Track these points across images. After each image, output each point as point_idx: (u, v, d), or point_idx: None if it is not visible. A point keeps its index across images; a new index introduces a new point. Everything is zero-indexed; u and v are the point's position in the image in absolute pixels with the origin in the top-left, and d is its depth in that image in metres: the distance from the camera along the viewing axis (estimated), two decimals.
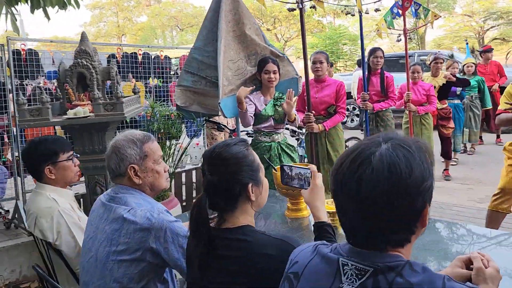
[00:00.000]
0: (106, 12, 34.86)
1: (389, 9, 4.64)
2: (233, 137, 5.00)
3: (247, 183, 1.34)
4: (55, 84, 3.91)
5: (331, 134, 3.92)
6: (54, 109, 2.94)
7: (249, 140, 3.74)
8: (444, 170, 5.69)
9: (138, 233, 1.54)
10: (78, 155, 2.91)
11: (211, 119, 4.64)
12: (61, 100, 3.13)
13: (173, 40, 34.60)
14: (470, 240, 1.97)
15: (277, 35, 28.85)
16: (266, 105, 3.41)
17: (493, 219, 3.20)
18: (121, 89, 3.10)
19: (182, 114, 3.88)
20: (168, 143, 4.19)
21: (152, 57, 4.84)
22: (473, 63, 6.69)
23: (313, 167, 1.65)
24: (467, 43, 7.55)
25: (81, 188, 3.82)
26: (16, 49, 4.00)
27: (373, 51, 4.68)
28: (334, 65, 16.22)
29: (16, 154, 4.00)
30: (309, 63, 3.73)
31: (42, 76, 4.20)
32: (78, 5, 2.97)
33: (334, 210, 1.96)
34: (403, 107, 4.93)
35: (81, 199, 3.76)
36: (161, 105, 4.28)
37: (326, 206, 1.71)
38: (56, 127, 4.05)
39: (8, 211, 4.33)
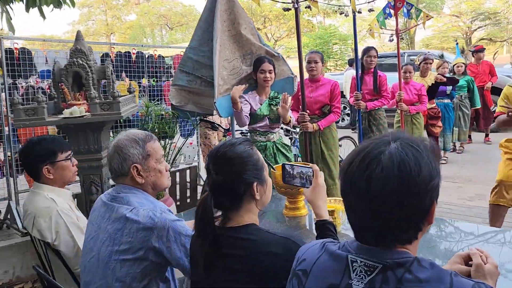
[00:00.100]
0: (94, 11, 34.58)
1: (382, 10, 4.69)
2: (227, 136, 5.01)
3: (252, 182, 1.35)
4: (48, 83, 3.87)
5: (325, 133, 3.94)
6: (48, 108, 2.91)
7: None
8: None
9: (141, 232, 1.54)
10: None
11: (205, 119, 4.63)
12: (55, 99, 3.10)
13: (162, 39, 34.42)
14: (458, 237, 2.01)
15: (267, 34, 28.86)
16: (261, 104, 3.42)
17: (495, 213, 3.24)
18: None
19: (177, 114, 3.87)
20: (162, 142, 4.17)
21: (146, 56, 4.82)
22: (463, 63, 6.79)
23: (315, 166, 1.67)
24: (457, 43, 7.66)
25: (76, 188, 3.79)
26: (9, 48, 3.95)
27: (367, 50, 4.71)
28: (324, 65, 16.29)
29: (9, 154, 3.95)
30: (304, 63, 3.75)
31: (35, 75, 4.15)
32: (73, 4, 2.95)
33: (333, 209, 2.01)
34: (394, 107, 5.00)
35: (75, 199, 3.73)
36: (155, 104, 4.26)
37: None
38: (49, 127, 4.00)
39: (0, 211, 4.28)
